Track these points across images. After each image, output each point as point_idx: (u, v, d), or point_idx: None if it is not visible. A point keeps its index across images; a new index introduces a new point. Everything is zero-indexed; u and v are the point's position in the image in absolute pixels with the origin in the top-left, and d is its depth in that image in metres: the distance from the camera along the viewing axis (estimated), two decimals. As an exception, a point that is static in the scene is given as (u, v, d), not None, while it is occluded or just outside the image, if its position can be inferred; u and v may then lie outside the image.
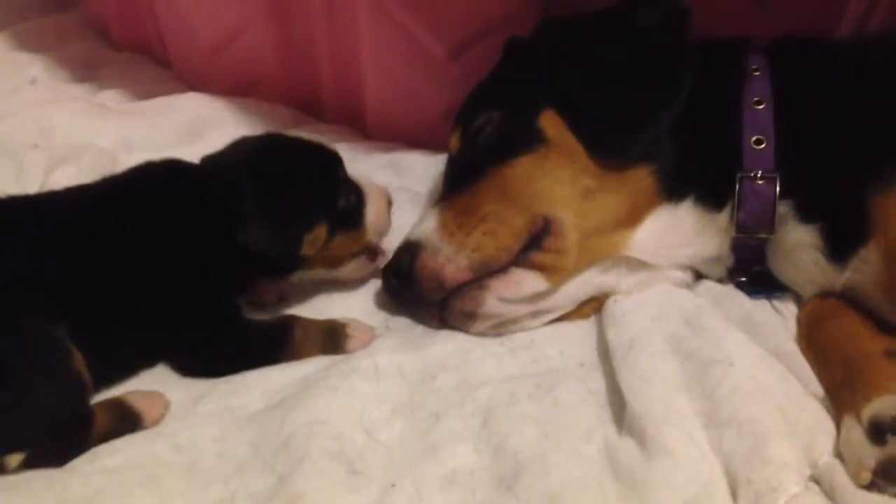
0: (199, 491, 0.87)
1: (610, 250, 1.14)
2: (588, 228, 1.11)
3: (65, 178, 1.34)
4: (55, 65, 1.88)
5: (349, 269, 1.19)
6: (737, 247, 1.17)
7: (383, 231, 1.19)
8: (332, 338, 1.11)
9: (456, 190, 1.17)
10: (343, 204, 1.12)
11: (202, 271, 1.06)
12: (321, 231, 1.09)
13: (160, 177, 1.12)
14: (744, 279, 1.21)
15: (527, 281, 1.09)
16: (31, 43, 1.99)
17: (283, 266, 1.13)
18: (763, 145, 1.11)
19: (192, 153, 1.53)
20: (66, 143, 1.48)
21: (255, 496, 0.86)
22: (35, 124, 1.51)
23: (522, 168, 1.12)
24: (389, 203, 1.19)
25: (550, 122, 1.14)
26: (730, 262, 1.19)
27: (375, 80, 1.60)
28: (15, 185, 1.33)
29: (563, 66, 1.18)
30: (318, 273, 1.16)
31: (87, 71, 1.90)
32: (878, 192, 1.02)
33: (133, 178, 1.11)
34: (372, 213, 1.15)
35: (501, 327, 1.14)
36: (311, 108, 1.77)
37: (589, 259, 1.13)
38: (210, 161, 1.15)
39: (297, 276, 1.16)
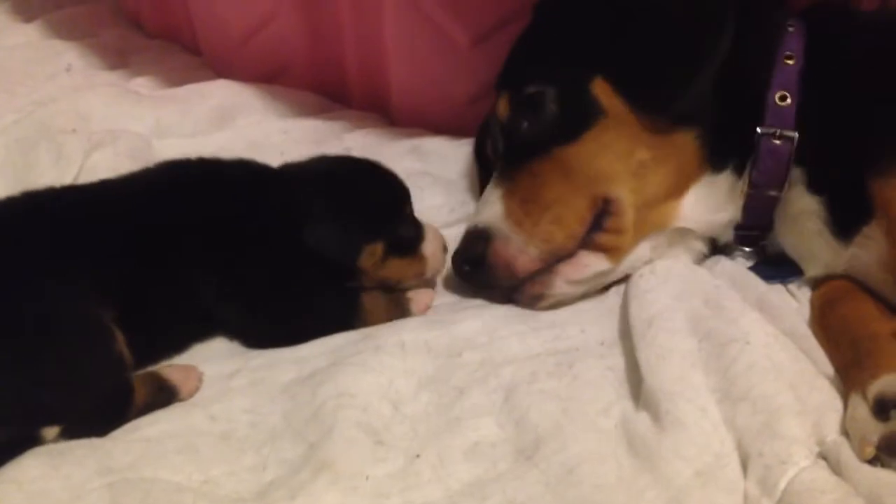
0: (233, 458, 0.91)
1: (661, 223, 1.18)
2: (642, 202, 1.14)
3: (102, 162, 1.37)
4: (89, 52, 1.92)
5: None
6: (748, 204, 1.18)
7: (439, 268, 1.22)
8: (395, 302, 1.17)
9: (513, 169, 1.19)
10: (404, 232, 1.17)
11: (262, 261, 1.10)
12: (378, 248, 1.13)
13: (227, 169, 1.18)
14: (748, 249, 1.24)
15: (592, 263, 1.14)
16: (65, 31, 2.03)
17: (343, 273, 1.15)
18: (787, 102, 1.13)
19: (223, 139, 1.58)
20: (102, 128, 1.51)
21: (286, 463, 0.90)
22: (72, 110, 1.54)
23: (586, 147, 1.14)
24: (444, 247, 1.22)
25: (602, 92, 1.14)
26: (738, 219, 1.21)
27: (400, 67, 1.63)
28: (55, 168, 1.37)
29: (603, 26, 1.16)
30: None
31: (119, 58, 1.94)
32: (881, 172, 1.04)
33: (195, 169, 1.16)
34: (429, 248, 1.19)
35: (562, 301, 1.18)
36: (337, 95, 1.80)
37: (644, 233, 1.17)
38: (291, 165, 1.21)
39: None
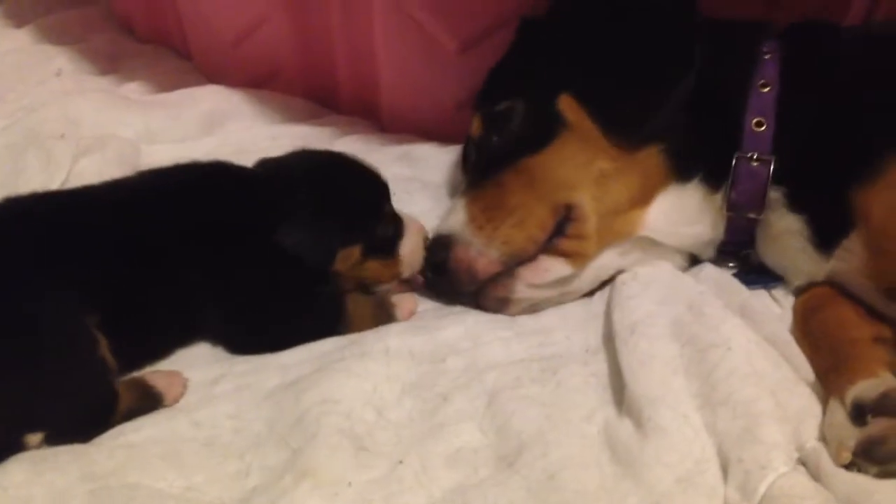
0: (216, 464, 0.91)
1: (626, 230, 1.18)
2: (604, 210, 1.15)
3: (90, 167, 1.38)
4: (80, 57, 1.92)
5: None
6: (728, 225, 1.20)
7: (416, 267, 1.21)
8: (381, 308, 1.17)
9: (482, 179, 1.21)
10: (381, 233, 1.16)
11: (246, 265, 1.10)
12: (355, 251, 1.13)
13: (208, 173, 1.17)
14: (732, 264, 1.24)
15: (553, 268, 1.15)
16: (56, 36, 2.03)
17: (317, 274, 1.14)
18: (763, 128, 1.14)
19: (212, 144, 1.59)
20: (92, 133, 1.50)
21: (269, 469, 0.91)
22: (62, 115, 1.54)
23: (548, 158, 1.15)
24: (425, 239, 1.22)
25: (568, 107, 1.16)
26: (720, 239, 1.22)
27: (390, 73, 1.63)
28: (43, 174, 1.37)
29: (574, 48, 1.20)
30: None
31: (110, 63, 1.94)
32: (861, 184, 1.05)
33: (178, 174, 1.16)
34: (407, 247, 1.19)
35: (534, 307, 1.19)
36: (327, 100, 1.80)
37: (607, 241, 1.17)
38: (268, 163, 1.20)
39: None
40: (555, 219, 1.14)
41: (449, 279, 1.18)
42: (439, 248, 1.19)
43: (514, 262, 1.14)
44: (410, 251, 1.19)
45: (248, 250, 1.09)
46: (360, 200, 1.16)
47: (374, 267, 1.17)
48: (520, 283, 1.15)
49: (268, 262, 1.09)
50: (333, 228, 1.12)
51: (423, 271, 1.23)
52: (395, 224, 1.19)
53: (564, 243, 1.14)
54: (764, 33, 1.23)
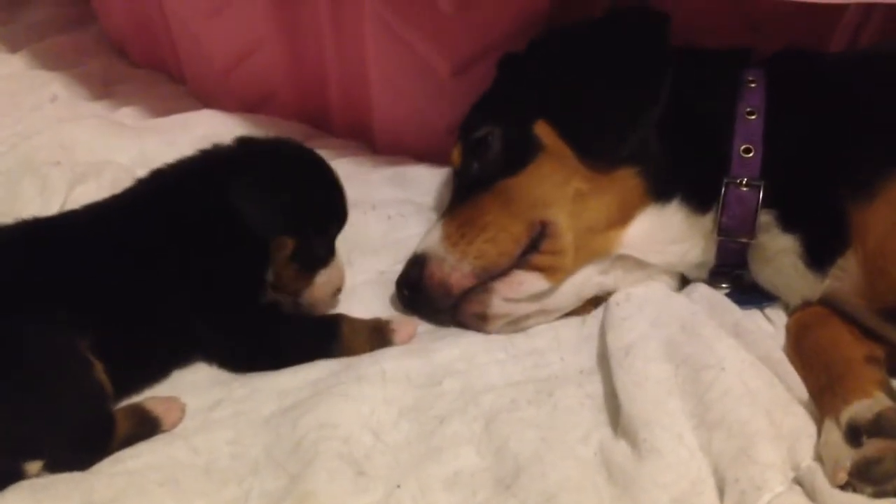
0: (215, 491, 0.92)
1: (605, 248, 1.19)
2: (581, 228, 1.16)
3: (86, 194, 1.37)
4: (74, 82, 1.91)
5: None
6: (719, 249, 1.21)
7: (320, 299, 1.20)
8: (377, 332, 1.17)
9: (459, 203, 1.23)
10: (316, 246, 1.15)
11: (214, 269, 1.10)
12: (289, 242, 1.12)
13: (169, 181, 1.17)
14: (725, 285, 1.25)
15: (528, 282, 1.15)
16: (50, 61, 2.02)
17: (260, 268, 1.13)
18: (751, 154, 1.15)
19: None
20: (87, 159, 1.51)
21: (268, 495, 0.91)
22: (57, 141, 1.55)
23: (524, 179, 1.18)
24: (338, 290, 1.21)
25: (544, 132, 1.19)
26: (711, 262, 1.23)
27: (382, 97, 1.64)
28: (39, 200, 1.37)
29: (550, 77, 1.24)
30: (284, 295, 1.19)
31: (105, 88, 1.94)
32: (858, 203, 1.06)
33: (145, 189, 1.16)
34: (324, 276, 1.17)
35: (515, 325, 1.20)
36: (320, 124, 1.81)
37: (586, 258, 1.18)
38: (246, 143, 1.21)
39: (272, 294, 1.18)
40: (529, 234, 1.16)
41: (425, 296, 1.19)
42: (413, 266, 1.20)
43: (487, 276, 1.15)
44: (324, 282, 1.17)
45: (235, 260, 1.09)
46: (317, 202, 1.16)
47: (290, 273, 1.15)
48: (495, 298, 1.16)
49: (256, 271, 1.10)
50: (284, 204, 1.11)
51: (398, 290, 1.24)
52: (328, 252, 1.18)
53: (539, 258, 1.15)
54: (745, 61, 1.24)
